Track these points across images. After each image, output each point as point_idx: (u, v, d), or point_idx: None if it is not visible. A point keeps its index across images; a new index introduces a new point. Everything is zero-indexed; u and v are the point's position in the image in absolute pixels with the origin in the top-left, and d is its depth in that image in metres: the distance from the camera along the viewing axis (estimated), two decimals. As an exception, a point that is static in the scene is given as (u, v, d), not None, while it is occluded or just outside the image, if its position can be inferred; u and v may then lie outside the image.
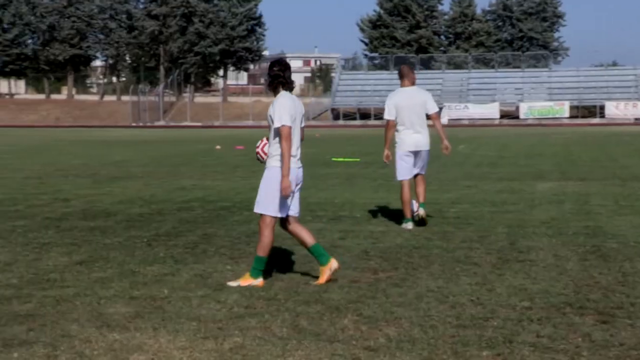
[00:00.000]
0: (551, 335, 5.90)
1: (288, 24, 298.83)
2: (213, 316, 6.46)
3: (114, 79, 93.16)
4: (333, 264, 7.65)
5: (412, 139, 11.18)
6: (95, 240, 10.21)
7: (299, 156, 7.63)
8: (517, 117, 69.62)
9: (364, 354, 5.52)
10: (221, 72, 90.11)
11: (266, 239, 7.60)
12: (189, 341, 5.82)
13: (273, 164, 7.56)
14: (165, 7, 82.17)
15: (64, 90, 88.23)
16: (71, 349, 5.63)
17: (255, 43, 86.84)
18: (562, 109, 70.13)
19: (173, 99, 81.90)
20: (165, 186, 17.14)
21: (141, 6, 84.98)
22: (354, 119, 73.24)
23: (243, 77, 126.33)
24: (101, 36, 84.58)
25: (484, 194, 15.09)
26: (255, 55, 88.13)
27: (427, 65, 79.94)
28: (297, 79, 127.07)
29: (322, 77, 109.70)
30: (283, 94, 7.64)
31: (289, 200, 7.62)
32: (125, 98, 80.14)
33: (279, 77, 7.63)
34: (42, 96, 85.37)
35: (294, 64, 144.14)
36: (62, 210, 13.06)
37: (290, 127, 7.44)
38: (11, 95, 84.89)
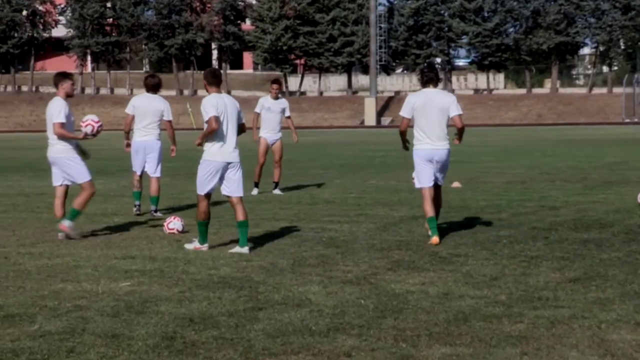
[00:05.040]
0: None
1: None
2: None
3: (605, 69, 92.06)
4: (436, 239, 10.92)
5: None
6: (590, 254, 10.18)
7: (433, 139, 11.16)
8: None
9: None
10: None
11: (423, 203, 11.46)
12: None
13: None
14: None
15: (547, 84, 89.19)
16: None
17: None
18: None
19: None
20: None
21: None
22: None
23: None
24: (592, 20, 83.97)
25: None
26: None
27: None
28: None
29: None
30: (416, 92, 11.28)
31: (427, 174, 11.26)
32: (617, 90, 78.88)
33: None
34: (522, 91, 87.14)
35: None
36: (550, 220, 13.21)
37: (406, 119, 11.28)
38: (490, 90, 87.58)
